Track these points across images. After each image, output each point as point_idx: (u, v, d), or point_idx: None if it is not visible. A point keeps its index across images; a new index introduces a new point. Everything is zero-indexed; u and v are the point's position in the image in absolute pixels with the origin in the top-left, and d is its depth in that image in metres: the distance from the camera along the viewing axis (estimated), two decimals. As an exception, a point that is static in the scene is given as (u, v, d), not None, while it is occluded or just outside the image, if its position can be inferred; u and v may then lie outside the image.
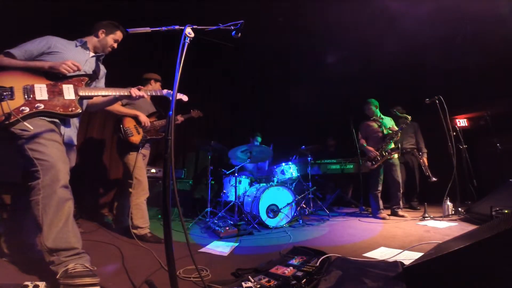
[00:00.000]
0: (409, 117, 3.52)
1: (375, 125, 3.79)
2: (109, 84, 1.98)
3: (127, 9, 3.65)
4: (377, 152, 3.62)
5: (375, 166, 3.60)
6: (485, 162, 5.03)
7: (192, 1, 3.64)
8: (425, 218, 3.16)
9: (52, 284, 1.26)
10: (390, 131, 3.61)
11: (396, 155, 3.61)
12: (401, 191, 3.62)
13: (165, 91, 2.14)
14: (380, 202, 3.56)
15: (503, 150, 4.19)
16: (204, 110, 3.36)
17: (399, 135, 3.58)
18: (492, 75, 4.62)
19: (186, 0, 3.65)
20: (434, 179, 3.59)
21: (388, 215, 3.49)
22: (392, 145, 3.61)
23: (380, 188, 3.60)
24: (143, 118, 2.53)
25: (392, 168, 3.59)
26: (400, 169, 3.68)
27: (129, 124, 2.50)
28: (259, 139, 4.52)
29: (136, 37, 1.43)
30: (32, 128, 1.37)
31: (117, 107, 2.44)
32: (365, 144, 3.80)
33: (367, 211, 4.00)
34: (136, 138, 2.48)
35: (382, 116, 3.82)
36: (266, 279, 1.32)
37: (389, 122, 3.78)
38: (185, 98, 2.24)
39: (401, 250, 1.87)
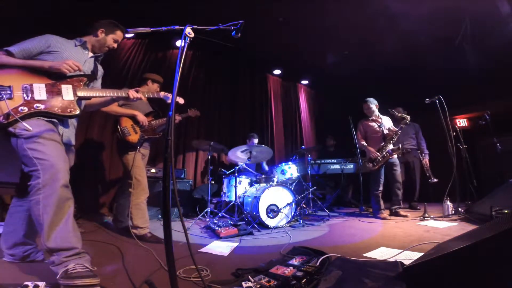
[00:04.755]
0: (408, 117, 3.51)
1: (374, 125, 3.75)
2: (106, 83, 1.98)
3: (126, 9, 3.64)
4: (378, 153, 3.58)
5: (376, 167, 3.57)
6: (485, 162, 5.04)
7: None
8: (425, 218, 3.16)
9: (52, 284, 1.26)
10: (390, 132, 3.60)
11: (396, 155, 3.60)
12: (402, 191, 3.61)
13: (162, 94, 2.14)
14: (381, 202, 3.55)
15: (503, 150, 4.19)
16: (204, 110, 3.36)
17: (398, 135, 3.57)
18: (492, 75, 4.63)
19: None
20: (435, 180, 3.59)
21: (389, 215, 3.48)
22: (392, 146, 3.60)
23: (381, 188, 3.58)
24: (141, 117, 2.53)
25: (393, 168, 3.57)
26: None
27: (126, 123, 2.50)
28: (256, 140, 4.51)
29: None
30: (31, 128, 1.37)
31: (114, 108, 2.44)
32: (365, 144, 3.76)
33: (367, 211, 3.99)
34: (133, 137, 2.48)
35: (380, 115, 3.79)
36: (266, 279, 1.32)
37: (387, 121, 3.76)
38: (181, 101, 2.24)
39: (401, 250, 1.87)
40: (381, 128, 3.69)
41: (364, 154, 3.82)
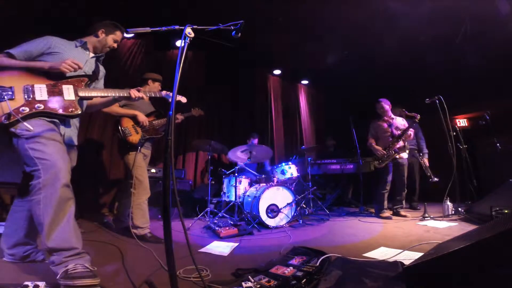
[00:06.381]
0: (418, 116, 3.49)
1: (385, 125, 3.77)
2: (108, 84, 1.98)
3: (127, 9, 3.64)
4: (384, 152, 3.61)
5: (382, 165, 3.60)
6: (485, 162, 5.03)
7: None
8: (425, 218, 3.17)
9: (52, 284, 1.26)
10: (398, 130, 3.61)
11: (404, 155, 3.59)
12: (405, 191, 3.62)
13: (164, 93, 2.14)
14: (385, 202, 3.57)
15: (503, 150, 4.18)
16: (204, 109, 3.35)
17: (405, 133, 3.56)
18: (492, 75, 4.62)
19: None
20: (435, 179, 3.60)
21: (391, 214, 3.50)
22: (401, 144, 3.58)
23: (388, 188, 3.60)
24: (142, 117, 2.53)
25: (399, 168, 3.59)
26: None
27: (127, 124, 2.50)
28: (256, 139, 4.50)
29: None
30: (32, 128, 1.37)
31: (115, 108, 2.44)
32: (373, 144, 3.78)
33: (367, 211, 4.00)
34: (134, 137, 2.48)
35: (393, 116, 3.79)
36: (266, 279, 1.32)
37: (400, 122, 3.74)
38: (183, 99, 2.24)
39: (401, 250, 1.87)
40: (390, 128, 3.70)
41: (370, 154, 3.82)
